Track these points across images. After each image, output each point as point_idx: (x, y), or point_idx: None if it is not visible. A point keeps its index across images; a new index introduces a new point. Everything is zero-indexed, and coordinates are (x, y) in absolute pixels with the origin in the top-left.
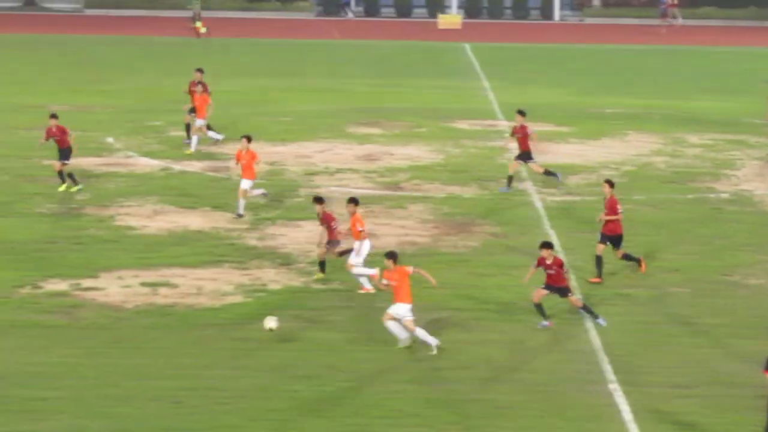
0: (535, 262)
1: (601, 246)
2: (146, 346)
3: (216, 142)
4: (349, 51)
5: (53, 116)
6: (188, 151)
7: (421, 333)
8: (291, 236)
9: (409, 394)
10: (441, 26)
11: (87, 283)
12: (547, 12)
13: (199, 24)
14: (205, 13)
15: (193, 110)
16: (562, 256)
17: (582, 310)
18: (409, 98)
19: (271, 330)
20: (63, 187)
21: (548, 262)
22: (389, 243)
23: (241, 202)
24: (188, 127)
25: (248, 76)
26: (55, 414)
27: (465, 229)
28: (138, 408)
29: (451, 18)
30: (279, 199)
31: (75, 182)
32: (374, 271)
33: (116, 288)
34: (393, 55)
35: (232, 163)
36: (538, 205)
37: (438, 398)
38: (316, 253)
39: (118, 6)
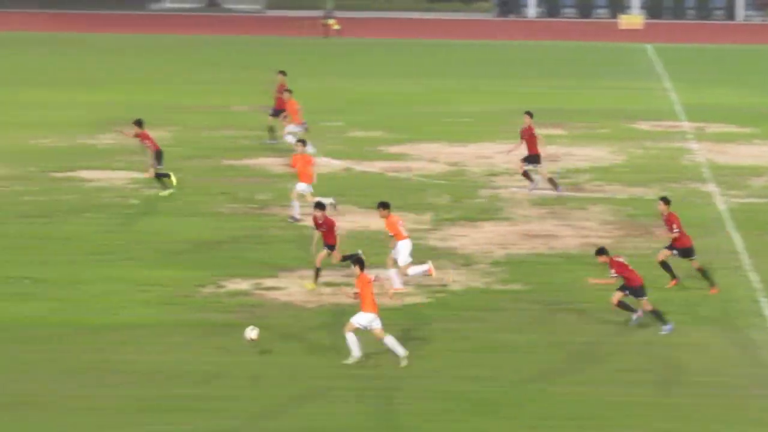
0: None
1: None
2: (327, 345)
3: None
4: (529, 52)
5: (138, 123)
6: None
7: (390, 341)
8: (472, 237)
9: (589, 396)
10: (622, 27)
11: (268, 282)
12: (730, 12)
13: (332, 21)
14: (381, 14)
15: (277, 113)
16: (745, 258)
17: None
18: (590, 99)
19: (252, 340)
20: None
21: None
22: (570, 244)
23: (295, 204)
24: (271, 129)
25: (428, 77)
26: (236, 413)
27: (647, 231)
28: (319, 407)
29: (633, 18)
30: (459, 199)
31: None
32: (428, 266)
33: (298, 288)
34: (574, 56)
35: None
36: (722, 207)
37: (618, 401)
38: (315, 260)
39: (300, 7)
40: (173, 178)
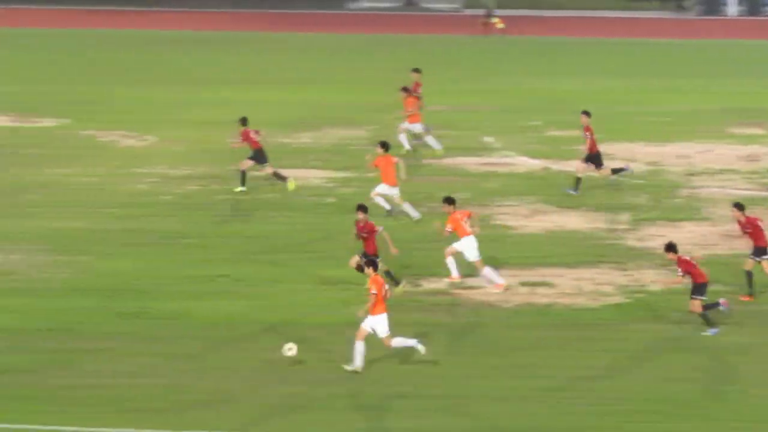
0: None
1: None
2: (524, 345)
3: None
4: (730, 50)
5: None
6: (439, 152)
7: (399, 342)
8: (671, 237)
9: None
10: None
11: (466, 281)
12: None
13: (495, 20)
14: (582, 13)
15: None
16: None
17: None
18: None
19: (293, 356)
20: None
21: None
22: None
23: (378, 200)
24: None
25: (626, 76)
26: (428, 412)
27: None
28: (512, 406)
29: None
30: (658, 199)
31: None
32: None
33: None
34: None
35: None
36: None
37: None
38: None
39: (499, 6)
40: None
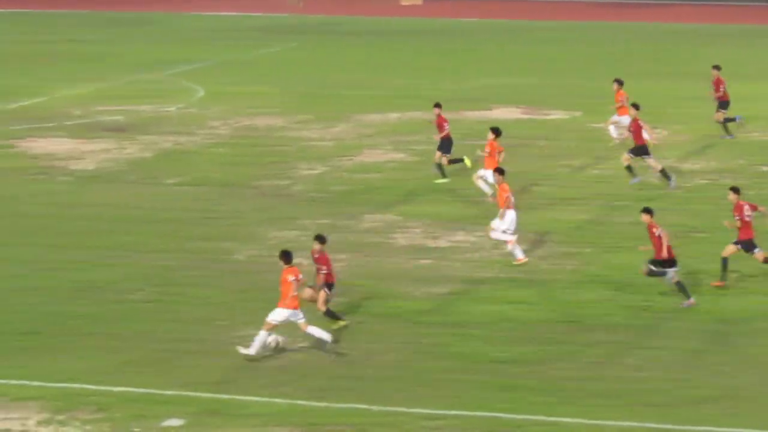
0: None
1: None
2: None
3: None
4: None
5: (437, 105)
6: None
7: (314, 330)
8: None
9: None
10: None
11: None
12: None
13: None
14: None
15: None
16: None
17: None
18: None
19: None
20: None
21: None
22: None
23: (480, 184)
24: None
25: None
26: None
27: None
28: None
29: None
30: None
31: (444, 175)
32: (513, 238)
33: None
34: None
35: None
36: None
37: None
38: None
39: None
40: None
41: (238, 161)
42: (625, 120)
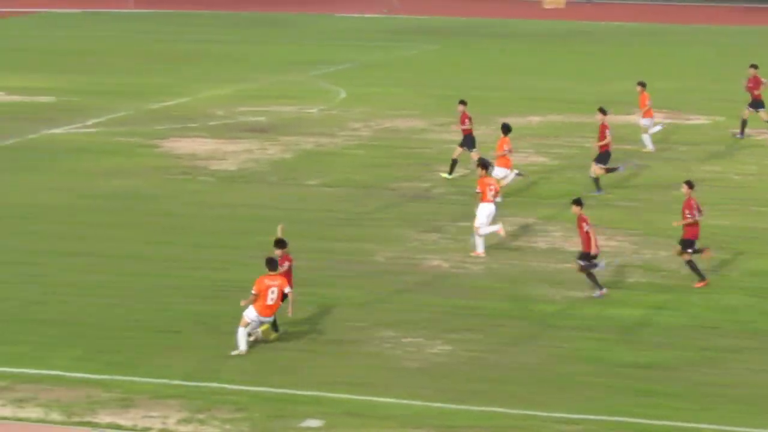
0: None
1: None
2: None
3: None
4: None
5: (462, 102)
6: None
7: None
8: None
9: None
10: None
11: None
12: None
13: None
14: None
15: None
16: None
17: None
18: None
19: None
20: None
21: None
22: None
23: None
24: (744, 124)
25: None
26: None
27: None
28: None
29: None
30: None
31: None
32: (498, 227)
33: None
34: None
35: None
36: None
37: None
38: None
39: None
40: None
41: (378, 163)
42: (645, 122)
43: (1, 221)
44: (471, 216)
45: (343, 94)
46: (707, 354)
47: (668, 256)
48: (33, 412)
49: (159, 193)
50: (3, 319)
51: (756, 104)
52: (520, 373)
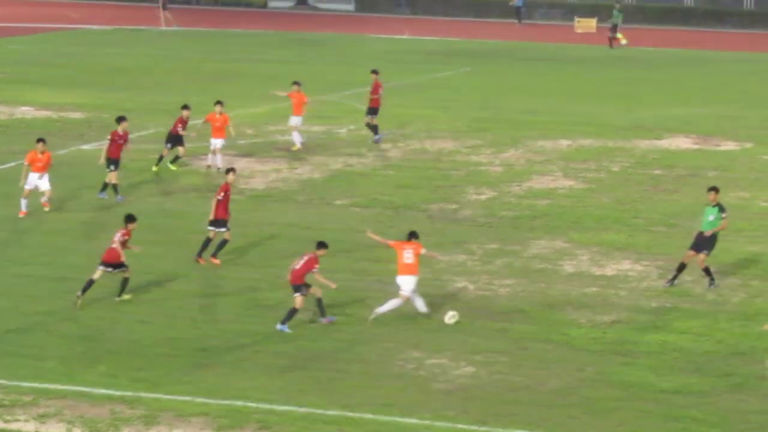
0: None
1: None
2: None
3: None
4: None
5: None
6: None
7: None
8: None
9: None
10: None
11: None
12: None
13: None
14: None
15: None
16: None
17: None
18: None
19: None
20: None
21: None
22: None
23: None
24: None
25: None
26: None
27: None
28: None
29: None
30: None
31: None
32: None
33: None
34: None
35: None
36: None
37: None
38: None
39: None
40: None
41: (407, 184)
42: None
43: (29, 235)
44: (499, 239)
45: None
46: (736, 380)
47: (694, 280)
48: (56, 428)
49: (189, 211)
50: (30, 334)
51: (372, 111)
52: (546, 396)
